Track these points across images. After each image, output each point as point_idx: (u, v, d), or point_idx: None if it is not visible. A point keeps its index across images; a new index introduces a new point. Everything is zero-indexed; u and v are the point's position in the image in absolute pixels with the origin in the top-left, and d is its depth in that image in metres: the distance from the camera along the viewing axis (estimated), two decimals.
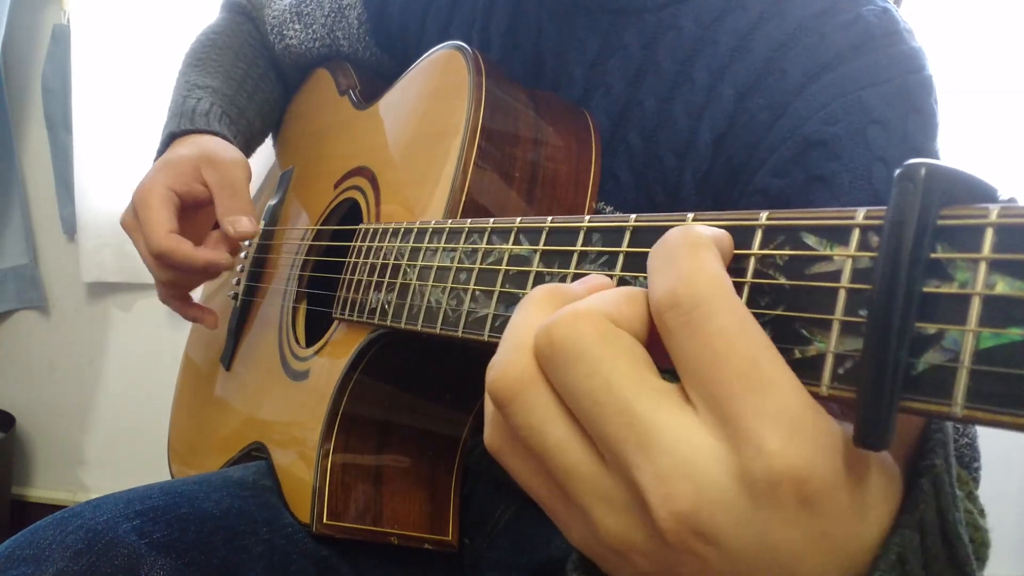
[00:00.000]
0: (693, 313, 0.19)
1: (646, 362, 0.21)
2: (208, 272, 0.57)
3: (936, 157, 0.43)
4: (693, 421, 0.19)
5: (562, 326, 0.21)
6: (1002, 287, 0.18)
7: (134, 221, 0.56)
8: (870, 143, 0.42)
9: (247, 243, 0.72)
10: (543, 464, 0.22)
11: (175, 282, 0.58)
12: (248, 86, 0.68)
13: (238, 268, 0.71)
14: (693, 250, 0.20)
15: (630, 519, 0.20)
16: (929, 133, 0.44)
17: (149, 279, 1.56)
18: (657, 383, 0.20)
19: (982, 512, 0.36)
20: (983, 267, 0.18)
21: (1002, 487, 1.33)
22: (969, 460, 0.39)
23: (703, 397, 0.19)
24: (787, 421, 0.18)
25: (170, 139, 0.60)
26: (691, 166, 0.48)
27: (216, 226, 0.60)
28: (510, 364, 0.22)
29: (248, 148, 0.70)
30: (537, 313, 0.23)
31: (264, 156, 0.77)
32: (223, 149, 0.57)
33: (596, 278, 0.24)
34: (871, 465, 0.20)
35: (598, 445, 0.21)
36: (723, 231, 0.23)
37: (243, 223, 0.55)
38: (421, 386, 0.49)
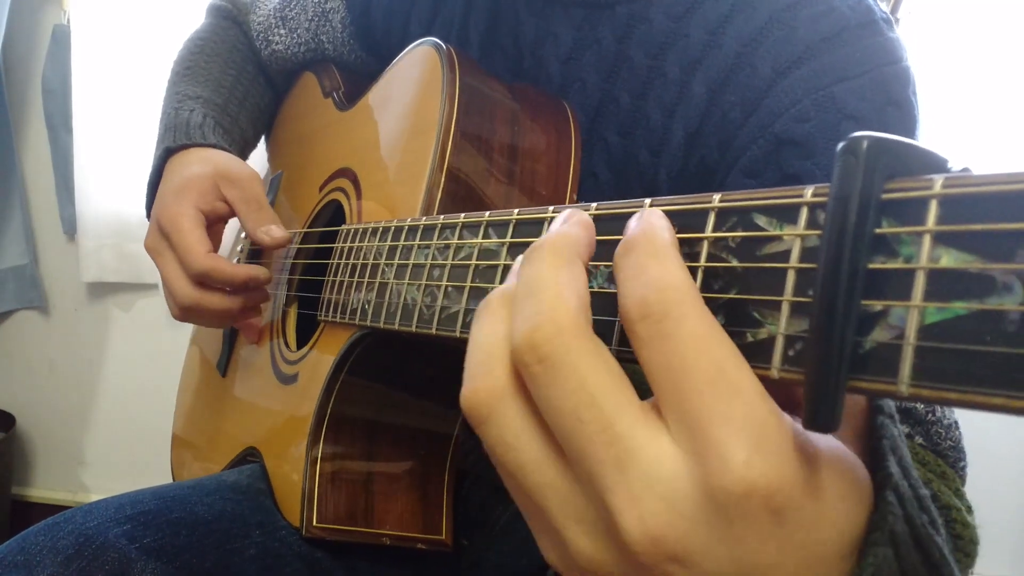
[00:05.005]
0: (664, 322, 0.19)
1: (623, 376, 0.20)
2: (248, 288, 0.56)
3: None
4: (668, 440, 0.19)
5: (549, 340, 0.20)
6: (946, 260, 0.17)
7: (162, 244, 0.56)
8: (843, 139, 0.41)
9: (239, 248, 0.72)
10: (517, 480, 0.21)
11: (211, 306, 0.55)
12: (238, 93, 0.68)
13: None
14: (659, 259, 0.20)
15: (602, 541, 0.20)
16: (908, 126, 0.43)
17: (149, 279, 1.56)
18: (636, 399, 0.20)
19: (969, 509, 0.35)
20: (927, 240, 0.17)
21: (1000, 488, 1.31)
22: (954, 461, 0.39)
23: (673, 407, 0.19)
24: (753, 429, 0.18)
25: (166, 154, 0.60)
26: (665, 164, 0.47)
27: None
28: (481, 380, 0.22)
29: (242, 156, 0.70)
30: (499, 323, 0.22)
31: (259, 162, 0.77)
32: (236, 165, 0.58)
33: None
34: (833, 468, 0.19)
35: (573, 463, 0.20)
36: (669, 223, 0.22)
37: (276, 231, 0.55)
38: (409, 384, 0.49)
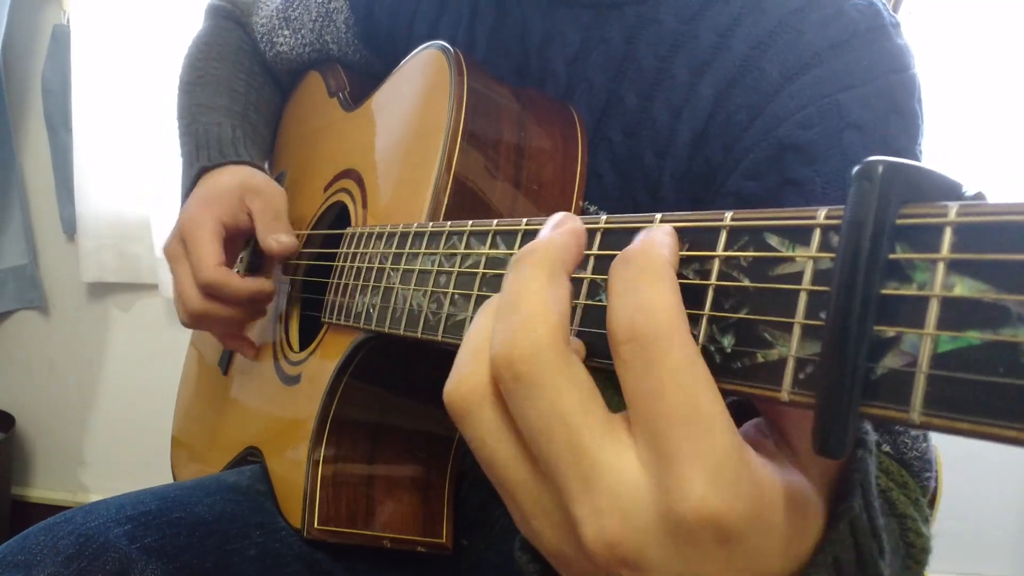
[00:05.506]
0: (649, 348, 0.20)
1: (593, 393, 0.21)
2: (253, 302, 0.57)
3: (917, 160, 0.42)
4: (633, 459, 0.20)
5: (525, 360, 0.21)
6: (960, 288, 0.17)
7: (180, 251, 0.57)
8: (845, 148, 0.41)
9: (240, 258, 0.72)
10: (492, 472, 0.23)
11: (218, 317, 0.57)
12: (253, 98, 0.69)
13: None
14: (653, 280, 0.20)
15: (564, 537, 0.22)
16: (911, 135, 0.43)
17: (149, 279, 1.56)
18: (604, 416, 0.21)
19: (926, 520, 0.36)
20: (941, 268, 0.17)
21: (1001, 489, 1.32)
22: (919, 471, 0.40)
23: (644, 431, 0.20)
24: (714, 464, 0.19)
25: (202, 172, 0.61)
26: (670, 166, 0.47)
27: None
28: (465, 378, 0.23)
29: (265, 160, 0.71)
30: (489, 327, 0.23)
31: None
32: (264, 180, 0.60)
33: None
34: (788, 506, 0.21)
35: (543, 470, 0.21)
36: (675, 241, 0.23)
37: (285, 238, 0.56)
38: (411, 388, 0.49)
